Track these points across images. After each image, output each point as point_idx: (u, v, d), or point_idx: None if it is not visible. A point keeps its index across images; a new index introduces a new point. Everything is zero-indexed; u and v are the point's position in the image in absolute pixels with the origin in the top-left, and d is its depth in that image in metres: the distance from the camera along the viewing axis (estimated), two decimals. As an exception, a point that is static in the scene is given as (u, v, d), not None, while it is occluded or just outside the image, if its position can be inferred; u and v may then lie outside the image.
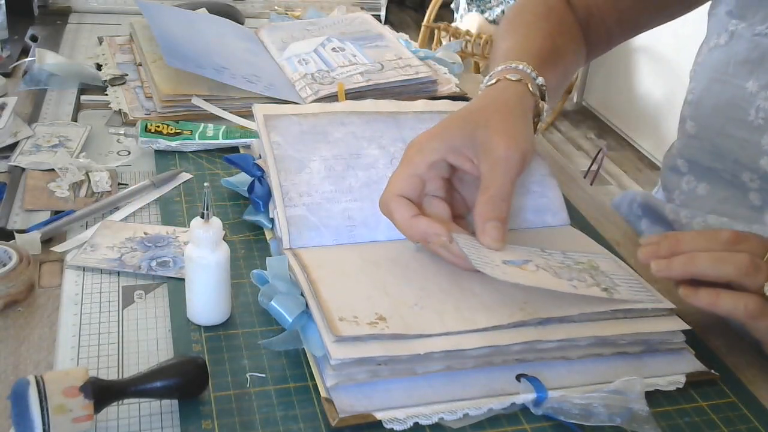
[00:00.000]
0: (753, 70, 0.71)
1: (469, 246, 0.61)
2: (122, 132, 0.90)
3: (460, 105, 0.83)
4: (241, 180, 0.76)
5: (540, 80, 0.71)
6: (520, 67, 0.71)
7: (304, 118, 0.77)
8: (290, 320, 0.56)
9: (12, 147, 0.83)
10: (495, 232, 0.61)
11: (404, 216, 0.63)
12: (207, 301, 0.59)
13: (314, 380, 0.55)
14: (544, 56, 0.75)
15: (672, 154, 0.84)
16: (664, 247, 0.61)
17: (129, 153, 0.86)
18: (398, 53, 1.06)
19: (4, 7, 1.14)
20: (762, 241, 0.60)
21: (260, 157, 0.75)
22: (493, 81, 0.70)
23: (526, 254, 0.62)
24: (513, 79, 0.69)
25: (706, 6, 0.82)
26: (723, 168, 0.76)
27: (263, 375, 0.56)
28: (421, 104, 0.82)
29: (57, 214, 0.73)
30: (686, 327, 0.60)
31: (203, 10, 1.20)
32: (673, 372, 0.58)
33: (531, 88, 0.70)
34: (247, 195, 0.74)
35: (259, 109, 0.77)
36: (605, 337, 0.58)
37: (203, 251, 0.57)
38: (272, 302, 0.57)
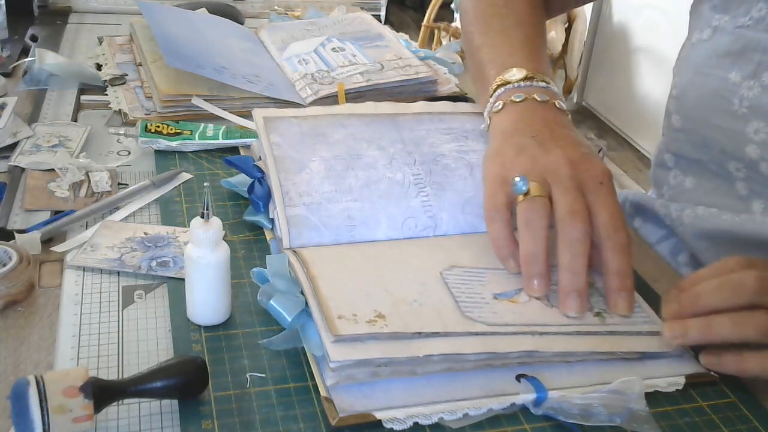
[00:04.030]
0: (735, 61, 0.72)
1: (458, 285, 0.61)
2: (122, 132, 0.90)
3: (459, 105, 0.84)
4: (241, 180, 0.76)
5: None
6: (556, 91, 0.73)
7: (303, 120, 0.77)
8: (289, 319, 0.56)
9: (12, 147, 0.83)
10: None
11: (504, 234, 0.64)
12: (207, 301, 0.59)
13: (314, 380, 0.55)
14: (545, 57, 0.78)
15: (659, 150, 0.85)
16: (686, 308, 0.59)
17: (129, 153, 0.86)
18: (398, 53, 1.06)
19: (4, 7, 1.14)
20: None
21: (260, 158, 0.75)
22: (544, 99, 0.71)
23: (519, 280, 0.63)
24: (559, 107, 0.72)
25: None
26: (709, 159, 0.76)
27: (263, 375, 0.56)
28: (419, 106, 0.82)
29: (57, 214, 0.73)
30: (679, 349, 0.60)
31: (203, 10, 1.20)
32: (672, 374, 0.58)
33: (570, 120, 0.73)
34: (247, 195, 0.74)
35: (259, 113, 0.77)
36: (601, 351, 0.58)
37: (203, 251, 0.57)
38: (271, 301, 0.57)
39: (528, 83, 0.73)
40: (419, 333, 0.55)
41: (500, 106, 0.73)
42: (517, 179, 0.64)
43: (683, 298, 0.59)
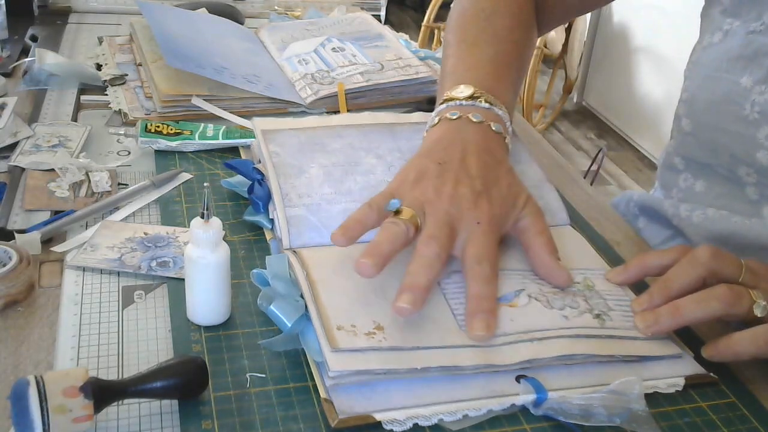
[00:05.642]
0: (747, 65, 0.72)
1: (456, 294, 0.61)
2: (122, 132, 0.90)
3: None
4: (241, 181, 0.77)
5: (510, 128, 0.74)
6: (498, 113, 0.72)
7: (302, 132, 0.77)
8: (289, 325, 0.56)
9: (12, 147, 0.83)
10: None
11: (360, 215, 0.62)
12: (207, 301, 0.59)
13: (314, 380, 0.55)
14: (511, 77, 0.78)
15: (668, 153, 0.85)
16: (657, 295, 0.61)
17: (129, 153, 0.86)
18: (398, 53, 1.06)
19: (4, 7, 1.14)
20: (734, 258, 0.61)
21: (260, 161, 0.75)
22: (479, 120, 0.70)
23: (519, 281, 0.63)
24: (495, 130, 0.71)
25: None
26: (719, 163, 0.76)
27: (263, 375, 0.56)
28: (417, 116, 0.83)
29: (57, 214, 0.73)
30: (678, 352, 0.60)
31: (203, 10, 1.20)
32: (672, 375, 0.58)
33: (507, 143, 0.72)
34: (247, 196, 0.74)
35: (258, 124, 0.77)
36: (600, 355, 0.58)
37: (203, 251, 0.57)
38: (271, 306, 0.56)
39: (470, 102, 0.72)
40: (417, 346, 0.55)
41: (436, 121, 0.72)
42: (394, 200, 0.63)
43: (654, 288, 0.61)
